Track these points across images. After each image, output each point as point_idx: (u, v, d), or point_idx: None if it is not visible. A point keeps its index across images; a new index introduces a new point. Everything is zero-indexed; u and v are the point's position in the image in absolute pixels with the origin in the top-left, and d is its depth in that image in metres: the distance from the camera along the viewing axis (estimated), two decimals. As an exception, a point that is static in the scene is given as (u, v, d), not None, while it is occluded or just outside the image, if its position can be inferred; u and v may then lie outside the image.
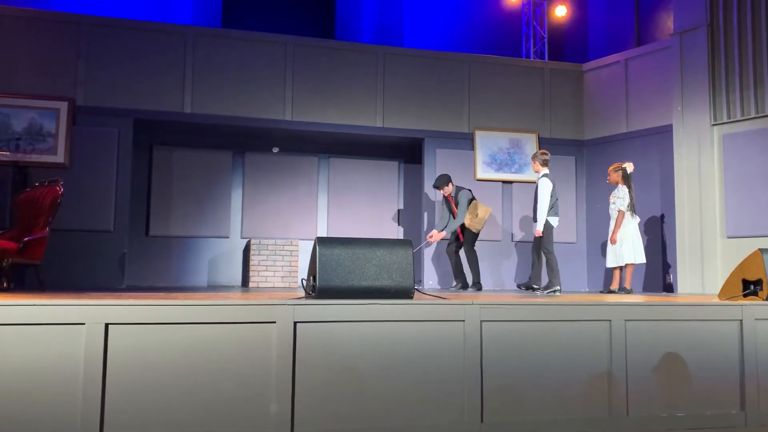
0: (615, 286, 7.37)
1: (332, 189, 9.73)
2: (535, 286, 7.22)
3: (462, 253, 8.06)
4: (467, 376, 3.31)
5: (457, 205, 7.93)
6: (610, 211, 7.41)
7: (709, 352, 3.73)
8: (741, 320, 3.79)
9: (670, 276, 8.71)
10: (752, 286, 4.21)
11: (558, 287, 6.95)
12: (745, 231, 7.84)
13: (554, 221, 7.12)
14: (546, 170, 7.23)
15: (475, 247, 8.00)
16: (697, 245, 8.23)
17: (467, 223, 7.85)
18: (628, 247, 7.23)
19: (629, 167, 7.42)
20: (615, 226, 7.25)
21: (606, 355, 3.55)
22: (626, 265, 7.29)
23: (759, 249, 4.25)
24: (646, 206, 9.01)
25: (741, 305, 3.82)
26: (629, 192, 7.28)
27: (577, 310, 3.57)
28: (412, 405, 3.24)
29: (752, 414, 3.72)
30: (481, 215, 7.86)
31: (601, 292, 7.70)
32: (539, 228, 7.08)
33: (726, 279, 4.53)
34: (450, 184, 8.00)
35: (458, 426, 3.27)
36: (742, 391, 3.74)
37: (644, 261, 7.44)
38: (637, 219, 7.36)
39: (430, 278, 9.18)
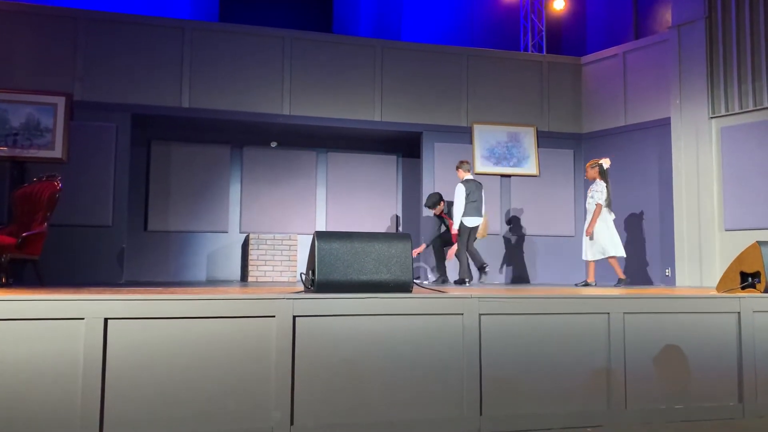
0: (591, 279, 7.42)
1: (331, 183, 9.72)
2: (466, 279, 7.69)
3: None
4: (466, 369, 3.32)
5: (451, 211, 7.96)
6: (587, 205, 7.48)
7: (707, 344, 3.74)
8: (739, 312, 3.80)
9: (668, 269, 8.72)
10: (750, 279, 4.22)
11: (465, 279, 7.66)
12: (743, 224, 7.85)
13: (470, 221, 7.67)
14: (468, 176, 7.81)
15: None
16: (695, 238, 8.24)
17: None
18: (608, 240, 7.29)
19: (605, 163, 7.51)
20: (592, 219, 7.31)
21: (604, 347, 3.56)
22: (609, 258, 7.35)
23: (757, 241, 4.26)
24: (644, 199, 9.03)
25: (739, 298, 3.83)
26: (606, 187, 7.35)
27: (576, 303, 3.58)
28: (411, 398, 3.25)
29: (750, 405, 3.73)
30: (483, 226, 8.02)
31: (576, 285, 7.77)
32: (455, 227, 7.72)
33: (724, 272, 4.54)
34: (442, 203, 8.07)
35: (457, 419, 3.29)
36: (739, 383, 3.75)
37: (624, 255, 7.48)
38: (613, 215, 7.45)
39: (428, 274, 9.19)
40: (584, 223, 7.53)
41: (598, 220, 7.28)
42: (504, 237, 9.49)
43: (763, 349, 3.79)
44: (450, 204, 8.03)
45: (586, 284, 7.38)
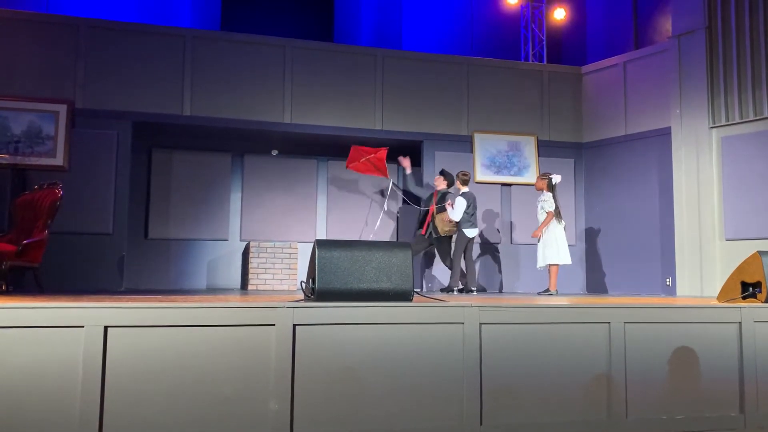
0: (554, 287, 7.77)
1: (331, 191, 9.73)
2: (472, 288, 7.88)
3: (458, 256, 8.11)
4: (466, 379, 3.31)
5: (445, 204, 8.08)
6: (538, 215, 7.85)
7: (708, 354, 3.73)
8: (740, 322, 3.79)
9: (669, 278, 8.71)
10: (751, 289, 4.21)
11: (454, 288, 7.77)
12: (744, 233, 7.85)
13: (470, 232, 7.87)
14: (465, 189, 8.04)
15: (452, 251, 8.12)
16: (695, 248, 8.23)
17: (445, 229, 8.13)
18: (552, 250, 7.65)
19: (556, 178, 7.90)
20: (542, 224, 7.69)
21: (605, 357, 3.55)
22: (550, 266, 7.70)
23: (758, 251, 4.26)
24: (645, 208, 9.02)
25: (740, 308, 3.83)
26: (554, 198, 7.76)
27: (577, 312, 3.57)
28: (412, 408, 3.24)
29: (751, 416, 3.72)
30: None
31: (539, 293, 7.90)
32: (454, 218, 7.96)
33: (725, 281, 4.53)
34: (446, 182, 8.23)
35: (457, 428, 3.27)
36: (741, 393, 3.74)
37: (570, 262, 7.83)
38: (563, 223, 7.82)
39: (431, 281, 9.17)
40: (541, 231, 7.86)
41: (548, 229, 7.68)
42: (504, 246, 9.48)
43: (765, 359, 3.78)
44: (446, 196, 8.16)
45: (549, 293, 7.68)
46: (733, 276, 4.40)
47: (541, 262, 7.77)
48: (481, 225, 9.32)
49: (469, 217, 7.85)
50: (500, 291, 9.32)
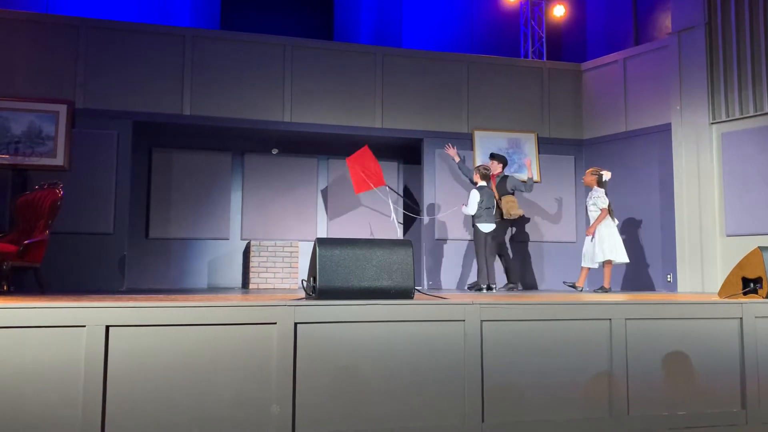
0: (581, 284, 7.68)
1: (332, 190, 9.73)
2: (492, 285, 7.72)
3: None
4: (468, 376, 3.32)
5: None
6: (589, 213, 7.66)
7: (710, 350, 3.73)
8: (741, 318, 3.79)
9: (669, 274, 8.71)
10: (752, 284, 4.22)
11: (483, 286, 7.59)
12: (745, 229, 7.85)
13: (484, 227, 7.72)
14: (483, 183, 7.85)
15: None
16: (696, 244, 8.23)
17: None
18: (612, 245, 7.46)
19: (606, 175, 7.70)
20: (596, 221, 7.47)
21: (606, 354, 3.56)
22: (606, 262, 7.51)
23: (758, 247, 4.26)
24: (645, 205, 9.02)
25: (741, 303, 3.83)
26: (605, 194, 7.59)
27: (578, 309, 3.57)
28: (413, 405, 3.24)
29: (753, 412, 3.72)
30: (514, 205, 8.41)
31: (595, 290, 7.86)
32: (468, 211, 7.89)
33: (726, 277, 4.53)
34: (493, 168, 8.30)
35: (459, 426, 3.28)
36: (742, 389, 3.74)
37: (627, 260, 7.65)
38: (617, 221, 7.67)
39: (432, 280, 9.17)
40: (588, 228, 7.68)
41: (602, 225, 7.45)
42: (506, 244, 9.46)
43: (766, 354, 3.79)
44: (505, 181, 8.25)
45: (604, 290, 7.50)
46: (734, 272, 4.41)
47: (597, 258, 7.48)
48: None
49: (484, 211, 7.74)
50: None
